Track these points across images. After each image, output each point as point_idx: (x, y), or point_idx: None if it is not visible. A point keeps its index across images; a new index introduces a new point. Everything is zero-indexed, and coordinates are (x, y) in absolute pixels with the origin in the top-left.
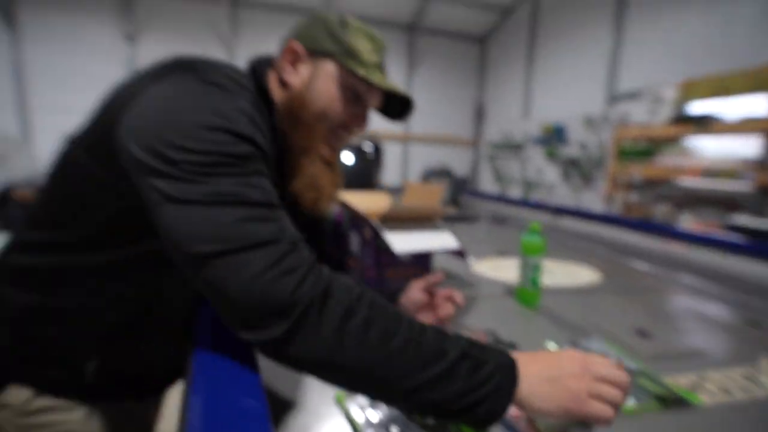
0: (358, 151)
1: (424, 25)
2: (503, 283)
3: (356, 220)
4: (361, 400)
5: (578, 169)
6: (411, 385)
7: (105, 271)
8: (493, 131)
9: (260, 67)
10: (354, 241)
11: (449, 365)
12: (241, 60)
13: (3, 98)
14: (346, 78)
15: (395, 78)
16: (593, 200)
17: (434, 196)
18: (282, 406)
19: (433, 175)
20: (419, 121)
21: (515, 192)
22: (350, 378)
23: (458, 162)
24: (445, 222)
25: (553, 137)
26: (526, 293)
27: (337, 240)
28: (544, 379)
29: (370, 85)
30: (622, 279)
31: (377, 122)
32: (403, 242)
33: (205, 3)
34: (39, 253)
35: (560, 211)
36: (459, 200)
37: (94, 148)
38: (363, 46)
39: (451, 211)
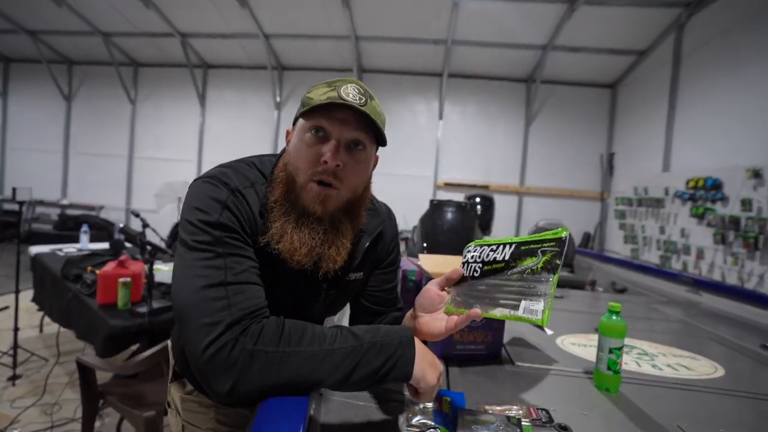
0: (459, 208)
1: (544, 76)
2: (587, 362)
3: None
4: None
5: (741, 234)
6: (341, 376)
7: None
8: (623, 184)
9: (274, 157)
10: None
11: (363, 354)
12: None
13: (190, 153)
14: (302, 124)
15: (512, 130)
16: (763, 274)
17: None
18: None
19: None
20: (536, 173)
21: (651, 256)
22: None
23: (581, 218)
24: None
25: (704, 193)
26: (603, 376)
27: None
28: (426, 362)
29: (316, 114)
30: (751, 378)
31: (489, 175)
32: None
33: (338, 72)
34: None
35: (699, 284)
36: (573, 263)
37: None
38: (317, 93)
39: (566, 276)
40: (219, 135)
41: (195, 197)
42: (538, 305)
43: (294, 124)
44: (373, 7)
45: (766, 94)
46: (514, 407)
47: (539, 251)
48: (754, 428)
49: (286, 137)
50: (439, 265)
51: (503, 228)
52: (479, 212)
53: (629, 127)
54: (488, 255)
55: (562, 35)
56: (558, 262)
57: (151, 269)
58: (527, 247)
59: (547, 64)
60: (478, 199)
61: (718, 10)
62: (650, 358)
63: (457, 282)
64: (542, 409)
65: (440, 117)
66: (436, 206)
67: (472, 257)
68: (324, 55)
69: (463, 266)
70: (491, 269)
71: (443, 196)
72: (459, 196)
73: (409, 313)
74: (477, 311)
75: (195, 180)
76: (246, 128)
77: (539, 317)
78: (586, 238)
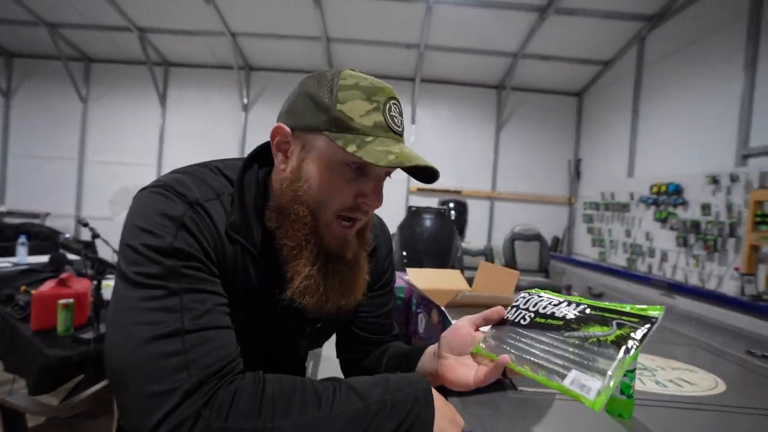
0: (438, 215)
1: (514, 83)
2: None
3: (424, 300)
4: None
5: (701, 237)
6: None
7: None
8: (590, 189)
9: (251, 161)
10: (421, 322)
11: (371, 419)
12: None
13: (150, 156)
14: (340, 153)
15: (484, 136)
16: (722, 275)
17: (509, 282)
18: None
19: (520, 238)
20: (507, 178)
21: (618, 259)
22: None
23: (550, 222)
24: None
25: (667, 198)
26: (615, 401)
27: (406, 317)
28: (446, 420)
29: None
30: (753, 392)
31: (462, 180)
32: None
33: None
34: None
35: (675, 288)
36: (548, 268)
37: None
38: (356, 109)
39: (542, 281)
40: (182, 137)
41: (139, 214)
42: (594, 383)
43: (298, 129)
44: (345, 8)
45: (722, 105)
46: None
47: (614, 322)
48: None
49: (280, 140)
50: (430, 280)
51: (476, 233)
52: (453, 217)
53: (595, 135)
54: (545, 307)
55: (532, 43)
56: (636, 341)
57: (98, 288)
58: (600, 313)
59: (518, 72)
60: (452, 205)
61: (676, 26)
62: (651, 374)
63: (495, 323)
64: None
65: (413, 121)
66: (414, 213)
67: (525, 304)
68: (294, 56)
69: (512, 310)
70: (544, 323)
71: (417, 201)
72: (433, 202)
73: (431, 350)
74: (506, 358)
75: (141, 190)
76: (211, 130)
77: (591, 398)
78: (555, 242)
